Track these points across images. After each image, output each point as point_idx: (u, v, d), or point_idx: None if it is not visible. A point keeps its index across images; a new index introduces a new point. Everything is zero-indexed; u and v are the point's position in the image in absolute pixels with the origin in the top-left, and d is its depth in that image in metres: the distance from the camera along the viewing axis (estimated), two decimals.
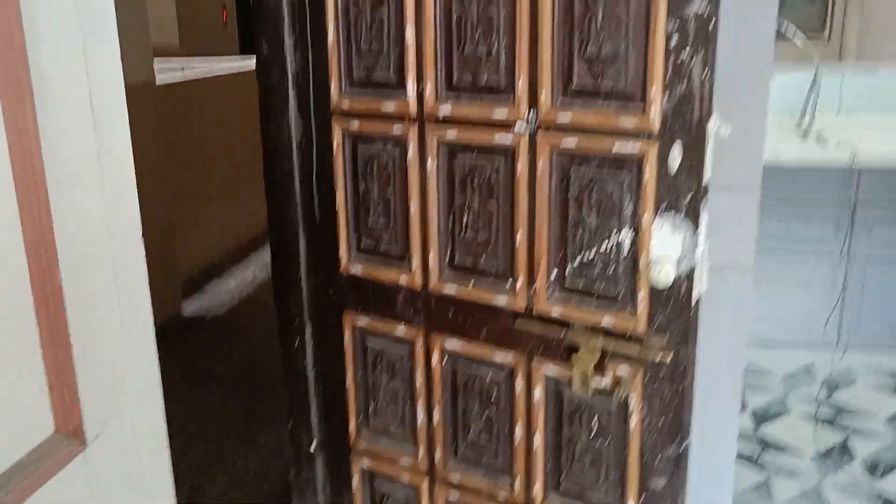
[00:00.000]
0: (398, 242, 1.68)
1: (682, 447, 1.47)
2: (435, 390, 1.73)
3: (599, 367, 1.47)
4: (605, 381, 1.49)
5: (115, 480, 1.25)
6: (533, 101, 1.43)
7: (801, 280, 3.51)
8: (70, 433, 1.15)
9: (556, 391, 1.58)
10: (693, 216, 1.35)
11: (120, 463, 1.26)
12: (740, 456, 2.86)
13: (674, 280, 1.38)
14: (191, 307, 4.43)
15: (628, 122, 1.35)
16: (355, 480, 1.93)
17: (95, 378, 1.19)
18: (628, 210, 1.40)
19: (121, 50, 1.21)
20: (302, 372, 1.92)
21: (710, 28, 1.25)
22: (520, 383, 1.61)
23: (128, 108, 1.24)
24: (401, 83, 1.57)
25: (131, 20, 3.58)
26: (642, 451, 1.50)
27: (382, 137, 1.63)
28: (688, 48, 1.27)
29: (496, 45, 1.45)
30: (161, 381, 1.36)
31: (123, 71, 1.22)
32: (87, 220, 1.17)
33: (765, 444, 2.95)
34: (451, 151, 1.56)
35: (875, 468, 2.79)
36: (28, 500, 1.06)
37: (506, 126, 1.48)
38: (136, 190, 1.26)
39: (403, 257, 1.68)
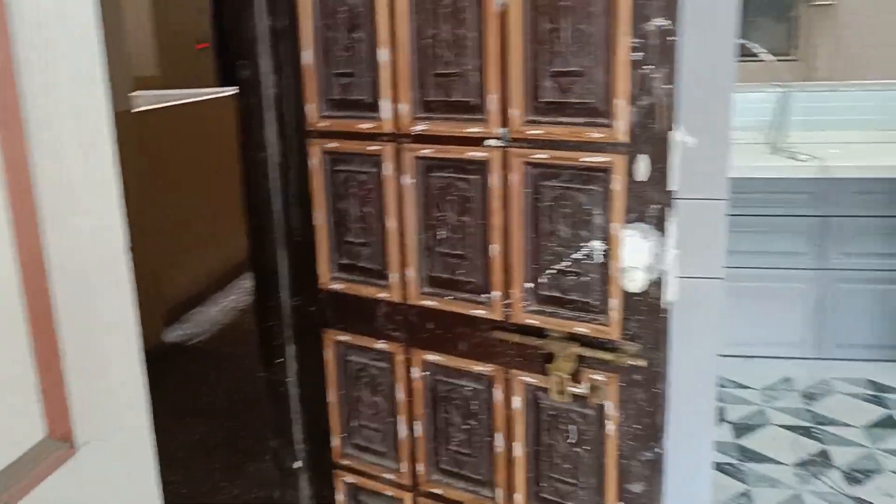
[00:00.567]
0: (377, 258, 1.71)
1: (658, 451, 1.50)
2: (416, 403, 1.75)
3: (576, 375, 1.51)
4: (582, 388, 1.52)
5: (103, 484, 1.29)
6: (504, 117, 1.48)
7: (777, 293, 3.58)
8: (60, 438, 1.18)
9: (535, 400, 1.61)
10: (661, 225, 1.39)
11: (108, 468, 1.30)
12: (721, 467, 2.90)
13: (645, 287, 1.42)
14: (173, 334, 4.42)
15: (596, 134, 1.40)
16: (339, 496, 1.94)
17: (85, 385, 1.24)
18: (599, 220, 1.44)
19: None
20: (284, 390, 1.94)
21: (671, 42, 1.30)
22: (499, 394, 1.64)
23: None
24: (376, 103, 1.62)
25: (112, 53, 3.62)
26: (619, 457, 1.53)
27: (359, 156, 1.67)
28: (650, 63, 1.32)
29: (467, 63, 1.50)
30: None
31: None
32: (76, 236, 1.22)
33: (745, 455, 2.99)
34: (427, 168, 1.60)
35: (853, 476, 2.83)
36: (21, 501, 1.10)
37: (479, 142, 1.52)
38: (121, 209, 1.32)
39: (382, 273, 1.71)
